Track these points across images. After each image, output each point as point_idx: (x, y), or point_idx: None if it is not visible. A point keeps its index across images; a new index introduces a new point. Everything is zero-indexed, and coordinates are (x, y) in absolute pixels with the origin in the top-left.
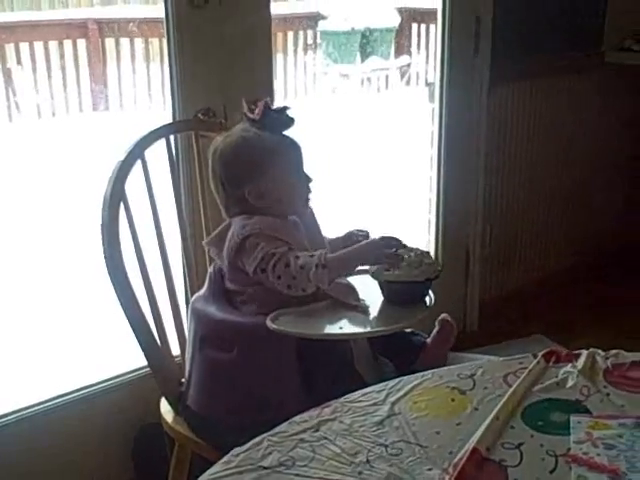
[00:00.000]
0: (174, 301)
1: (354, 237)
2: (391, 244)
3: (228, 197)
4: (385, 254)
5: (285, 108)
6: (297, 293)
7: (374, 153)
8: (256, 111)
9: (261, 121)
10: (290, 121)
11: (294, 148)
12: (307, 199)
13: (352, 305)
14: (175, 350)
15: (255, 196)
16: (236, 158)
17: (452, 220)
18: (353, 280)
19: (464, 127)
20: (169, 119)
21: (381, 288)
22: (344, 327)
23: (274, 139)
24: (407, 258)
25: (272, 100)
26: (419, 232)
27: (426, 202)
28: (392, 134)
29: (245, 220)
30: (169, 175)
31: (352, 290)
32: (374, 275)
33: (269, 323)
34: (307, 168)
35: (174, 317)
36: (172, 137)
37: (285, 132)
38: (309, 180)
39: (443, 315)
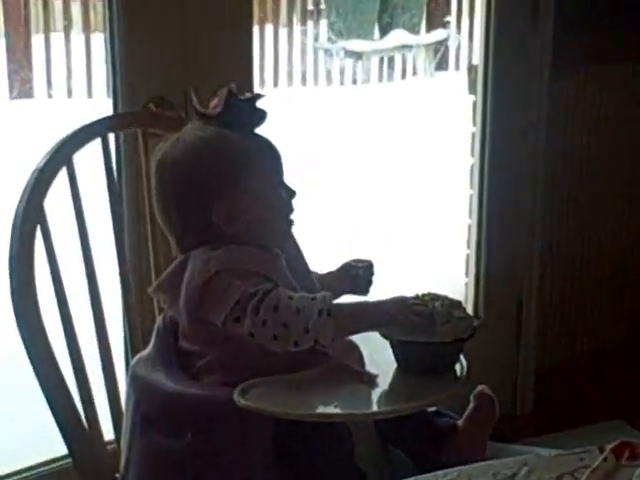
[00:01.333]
0: (108, 365)
1: (352, 271)
2: (423, 304)
3: (184, 224)
4: (417, 312)
5: (255, 98)
6: (285, 348)
7: (394, 163)
8: (213, 102)
9: (222, 117)
10: (261, 116)
11: (272, 152)
12: (290, 221)
13: (354, 372)
14: (108, 433)
15: (226, 218)
16: (195, 168)
17: (500, 258)
18: (355, 338)
19: (515, 130)
20: (109, 111)
21: (394, 351)
22: (342, 405)
23: (245, 141)
24: (429, 308)
25: (247, 87)
26: (451, 271)
27: (463, 230)
28: (419, 137)
29: (209, 253)
30: (106, 189)
31: (355, 350)
32: (385, 333)
33: (237, 398)
34: (288, 179)
35: (107, 388)
36: (111, 136)
37: (255, 131)
38: (292, 194)
39: (481, 387)
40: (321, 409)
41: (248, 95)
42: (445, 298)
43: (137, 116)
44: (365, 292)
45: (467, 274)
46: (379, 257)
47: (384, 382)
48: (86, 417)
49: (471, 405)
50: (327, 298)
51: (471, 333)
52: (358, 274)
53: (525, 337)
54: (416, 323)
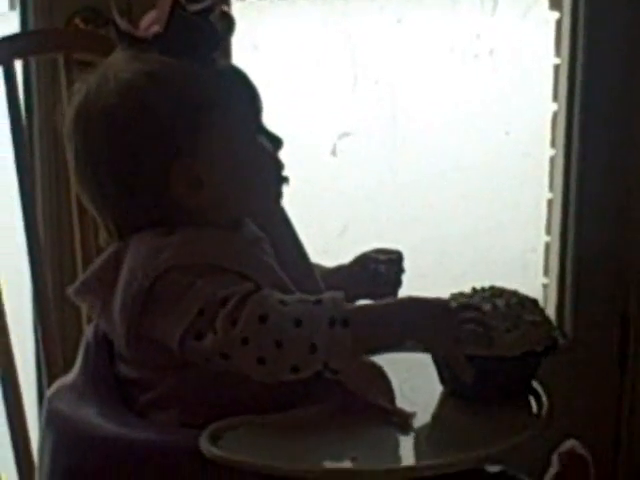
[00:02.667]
0: (14, 397)
1: (371, 265)
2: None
3: (123, 199)
4: (468, 320)
5: (211, 7)
6: (276, 377)
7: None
8: (148, 18)
9: (165, 40)
10: (222, 35)
11: (245, 87)
12: (279, 181)
13: (380, 411)
14: None
15: (188, 185)
16: (138, 118)
17: (597, 250)
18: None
19: (614, 96)
20: (14, 27)
21: (439, 369)
22: (361, 457)
23: (204, 72)
24: (489, 309)
25: None
26: (522, 267)
27: (540, 207)
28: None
29: (158, 239)
30: (10, 143)
31: (381, 379)
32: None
33: (205, 445)
34: (271, 126)
35: (11, 430)
36: (18, 65)
37: (215, 58)
38: (277, 144)
39: (569, 444)
40: (334, 462)
41: (202, 4)
42: (513, 294)
43: (57, 35)
44: (388, 295)
45: (546, 272)
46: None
47: (422, 421)
48: None
49: (553, 469)
50: (339, 300)
51: (550, 345)
52: (379, 271)
53: (633, 364)
54: (467, 334)
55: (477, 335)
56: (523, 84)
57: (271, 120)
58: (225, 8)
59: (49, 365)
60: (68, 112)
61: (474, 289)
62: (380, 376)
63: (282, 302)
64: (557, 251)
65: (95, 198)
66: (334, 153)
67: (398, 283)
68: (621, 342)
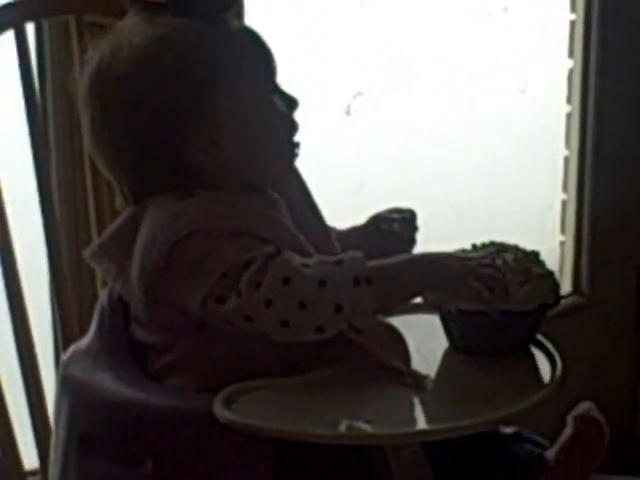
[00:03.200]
0: (29, 361)
1: (384, 225)
2: (492, 263)
3: (142, 163)
4: (487, 277)
5: None
6: (299, 338)
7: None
8: None
9: (176, 2)
10: None
11: (259, 47)
12: (293, 144)
13: (394, 372)
14: (30, 460)
15: (208, 147)
16: (154, 84)
17: (614, 206)
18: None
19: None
20: None
21: (449, 325)
22: (375, 420)
23: (217, 35)
24: (501, 264)
25: None
26: (540, 224)
27: (557, 163)
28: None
29: (177, 203)
30: (23, 108)
31: (398, 342)
32: (437, 301)
33: (219, 410)
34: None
35: (28, 395)
36: (30, 28)
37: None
38: (292, 105)
39: (585, 406)
40: (344, 426)
41: None
42: (516, 248)
43: None
44: (403, 251)
45: (563, 229)
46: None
47: (438, 381)
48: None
49: (568, 430)
50: (360, 259)
51: (558, 296)
52: (393, 230)
53: None
54: (484, 293)
55: (494, 286)
56: (538, 41)
57: (284, 80)
58: None
59: (64, 331)
60: (82, 79)
61: (474, 245)
62: (396, 338)
63: (304, 265)
64: (574, 208)
65: (111, 162)
66: (348, 113)
67: (412, 241)
68: (638, 299)
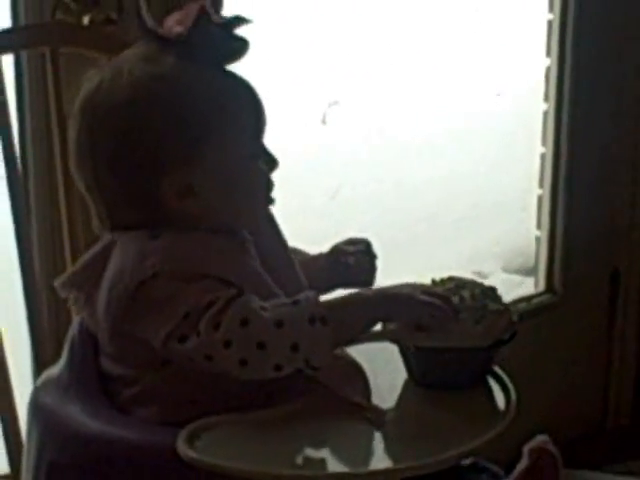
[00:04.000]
0: (4, 388)
1: (342, 259)
2: (435, 292)
3: (117, 194)
4: (434, 295)
5: (234, 22)
6: (258, 376)
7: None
8: (174, 20)
9: (186, 43)
10: (240, 49)
11: (253, 102)
12: (267, 200)
13: (354, 407)
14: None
15: (178, 193)
16: (144, 119)
17: (590, 202)
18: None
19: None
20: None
21: (405, 361)
22: (335, 457)
23: (217, 82)
24: (458, 302)
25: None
26: (515, 220)
27: (534, 160)
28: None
29: (145, 242)
30: None
31: (358, 376)
32: (394, 337)
33: (182, 447)
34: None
35: (3, 419)
36: (4, 60)
37: (227, 66)
38: (272, 165)
39: (540, 439)
40: (305, 465)
41: (224, 18)
42: (474, 284)
43: (43, 28)
44: (365, 284)
45: (539, 224)
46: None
47: (397, 416)
48: None
49: (523, 463)
50: (314, 299)
51: (513, 332)
52: (350, 263)
53: (621, 322)
54: (436, 310)
55: (444, 303)
56: (515, 41)
57: (262, 90)
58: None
59: (39, 352)
60: (79, 97)
61: (434, 281)
62: (357, 373)
63: (262, 308)
64: (548, 205)
65: (91, 185)
66: (324, 121)
67: (372, 270)
68: (610, 298)
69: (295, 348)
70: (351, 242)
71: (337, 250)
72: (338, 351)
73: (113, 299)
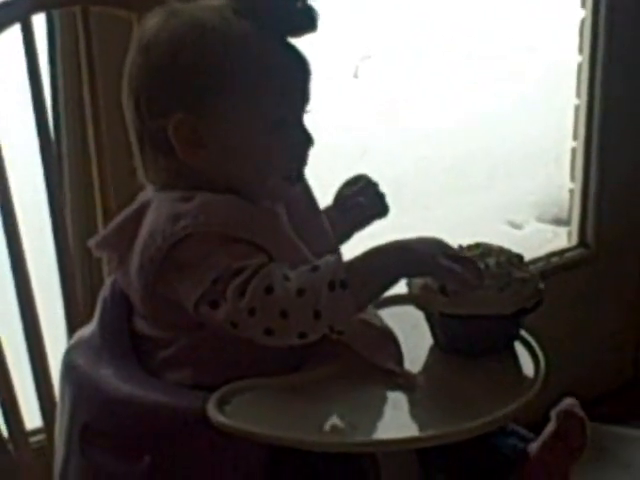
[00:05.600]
0: (37, 347)
1: (349, 202)
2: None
3: (140, 136)
4: (455, 258)
5: None
6: (284, 343)
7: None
8: None
9: (256, 5)
10: (311, 19)
11: (300, 69)
12: (293, 176)
13: (384, 373)
14: (32, 420)
15: (184, 139)
16: (170, 54)
17: (621, 160)
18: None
19: None
20: None
21: (431, 327)
22: (363, 425)
23: (263, 42)
24: (483, 269)
25: None
26: (547, 172)
27: (568, 107)
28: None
29: (177, 204)
30: (30, 102)
31: (390, 342)
32: (419, 302)
33: (212, 411)
34: (308, 119)
35: (36, 378)
36: (36, 20)
37: (294, 37)
38: (307, 143)
39: (567, 402)
40: (333, 432)
41: None
42: (500, 251)
43: None
44: (383, 213)
45: (572, 177)
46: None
47: (426, 382)
48: (7, 419)
49: (551, 426)
50: (334, 264)
51: (538, 300)
52: (359, 203)
53: None
54: (457, 273)
55: (465, 264)
56: None
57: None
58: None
59: (71, 314)
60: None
61: (461, 246)
62: (388, 339)
63: (286, 277)
64: (582, 158)
65: (130, 126)
66: (356, 75)
67: (382, 199)
68: None
69: (317, 315)
70: (350, 183)
71: (342, 196)
72: (368, 317)
73: (145, 261)
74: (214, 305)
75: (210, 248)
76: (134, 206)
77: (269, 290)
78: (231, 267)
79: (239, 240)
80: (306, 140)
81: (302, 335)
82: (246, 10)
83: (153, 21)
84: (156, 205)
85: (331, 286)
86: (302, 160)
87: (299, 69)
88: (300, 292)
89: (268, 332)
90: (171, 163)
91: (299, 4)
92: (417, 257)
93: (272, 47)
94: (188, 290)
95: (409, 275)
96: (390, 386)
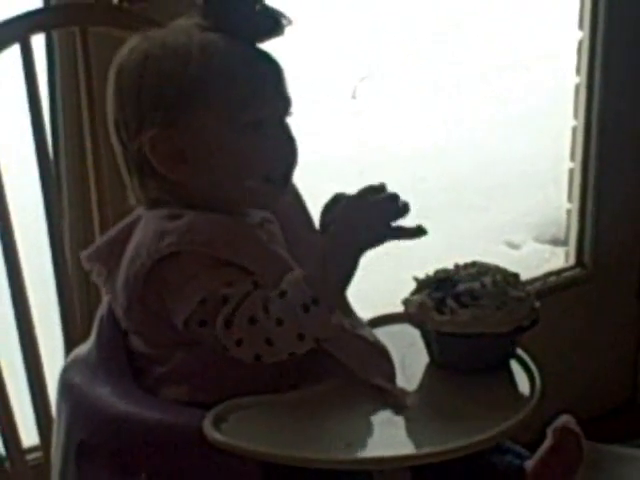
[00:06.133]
0: (34, 365)
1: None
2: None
3: (123, 158)
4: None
5: None
6: (276, 360)
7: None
8: None
9: (211, 12)
10: (273, 21)
11: (269, 72)
12: (270, 176)
13: (376, 390)
14: (29, 437)
15: (169, 153)
16: (144, 74)
17: (619, 182)
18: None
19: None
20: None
21: (427, 344)
22: (356, 443)
23: (233, 53)
24: (479, 287)
25: None
26: (545, 190)
27: (564, 129)
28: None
29: (164, 222)
30: (29, 122)
31: (383, 359)
32: (415, 320)
33: (209, 429)
34: (294, 120)
35: (32, 389)
36: (35, 39)
37: (261, 42)
38: (289, 142)
39: (564, 419)
40: (331, 449)
41: None
42: (496, 270)
43: (72, 9)
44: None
45: (570, 198)
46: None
47: (419, 401)
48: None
49: (547, 442)
50: (299, 284)
51: (534, 319)
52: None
53: None
54: (388, 218)
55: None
56: (547, 12)
57: (293, 63)
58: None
59: (68, 330)
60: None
61: (457, 265)
62: (381, 355)
63: (264, 306)
64: (579, 177)
65: (118, 153)
66: (354, 96)
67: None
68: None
69: (301, 337)
70: (328, 208)
71: (322, 224)
72: (362, 332)
73: (130, 276)
74: (203, 324)
75: (196, 269)
76: (127, 220)
77: (253, 321)
78: (218, 292)
79: (224, 262)
80: (286, 141)
81: (291, 354)
82: (210, 23)
83: (126, 47)
84: (144, 222)
85: (305, 308)
86: (282, 161)
87: (268, 73)
88: (279, 322)
89: (257, 357)
90: (157, 182)
91: (257, 7)
92: (355, 229)
93: (237, 54)
94: (177, 309)
95: (362, 247)
96: (382, 404)
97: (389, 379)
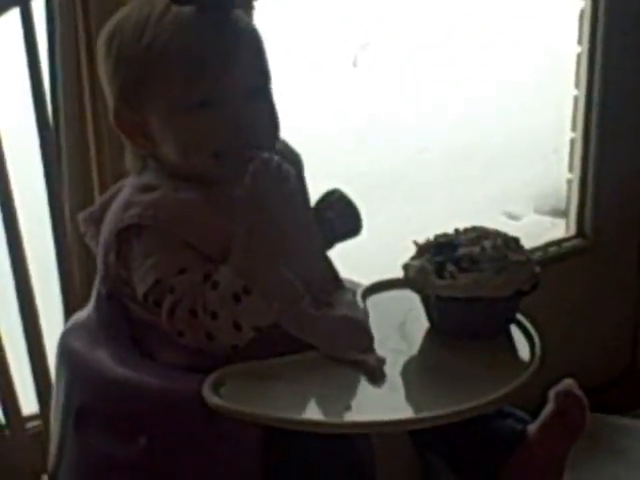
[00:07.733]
0: (33, 328)
1: (320, 216)
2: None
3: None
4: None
5: None
6: (221, 351)
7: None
8: None
9: None
10: None
11: (226, 49)
12: (230, 146)
13: (355, 364)
14: (28, 405)
15: (123, 128)
16: (110, 47)
17: (619, 152)
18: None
19: None
20: None
21: (427, 309)
22: (356, 407)
23: (187, 28)
24: (479, 252)
25: None
26: (545, 161)
27: (566, 99)
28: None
29: (138, 192)
30: (29, 90)
31: (357, 327)
32: (415, 284)
33: (208, 394)
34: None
35: (32, 358)
36: (34, 4)
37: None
38: (237, 118)
39: (567, 383)
40: (328, 412)
41: None
42: (496, 234)
43: None
44: (356, 232)
45: (570, 168)
46: None
47: (418, 366)
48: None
49: (550, 406)
50: (228, 274)
51: (534, 283)
52: (328, 219)
53: None
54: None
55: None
56: None
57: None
58: None
59: (68, 296)
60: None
61: (457, 230)
62: (356, 327)
63: (212, 286)
64: (580, 147)
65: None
66: (355, 64)
67: (354, 214)
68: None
69: (237, 327)
70: (323, 198)
71: (315, 210)
72: (334, 307)
73: (102, 242)
74: (157, 305)
75: (155, 247)
76: (118, 184)
77: (193, 314)
78: (168, 275)
79: (183, 244)
80: (232, 118)
81: (234, 346)
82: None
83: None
84: (124, 189)
85: (236, 298)
86: (232, 138)
87: (219, 51)
88: (214, 315)
89: (200, 348)
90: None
91: None
92: (264, 208)
93: (190, 31)
94: (137, 282)
95: (280, 220)
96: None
97: (365, 350)
